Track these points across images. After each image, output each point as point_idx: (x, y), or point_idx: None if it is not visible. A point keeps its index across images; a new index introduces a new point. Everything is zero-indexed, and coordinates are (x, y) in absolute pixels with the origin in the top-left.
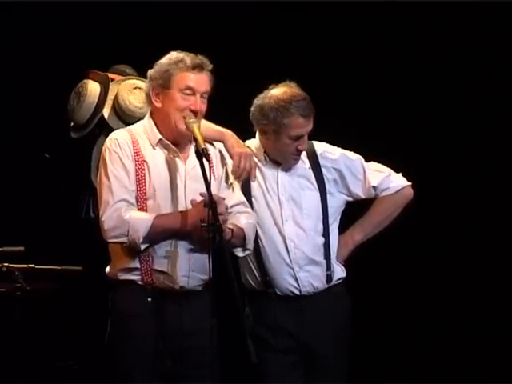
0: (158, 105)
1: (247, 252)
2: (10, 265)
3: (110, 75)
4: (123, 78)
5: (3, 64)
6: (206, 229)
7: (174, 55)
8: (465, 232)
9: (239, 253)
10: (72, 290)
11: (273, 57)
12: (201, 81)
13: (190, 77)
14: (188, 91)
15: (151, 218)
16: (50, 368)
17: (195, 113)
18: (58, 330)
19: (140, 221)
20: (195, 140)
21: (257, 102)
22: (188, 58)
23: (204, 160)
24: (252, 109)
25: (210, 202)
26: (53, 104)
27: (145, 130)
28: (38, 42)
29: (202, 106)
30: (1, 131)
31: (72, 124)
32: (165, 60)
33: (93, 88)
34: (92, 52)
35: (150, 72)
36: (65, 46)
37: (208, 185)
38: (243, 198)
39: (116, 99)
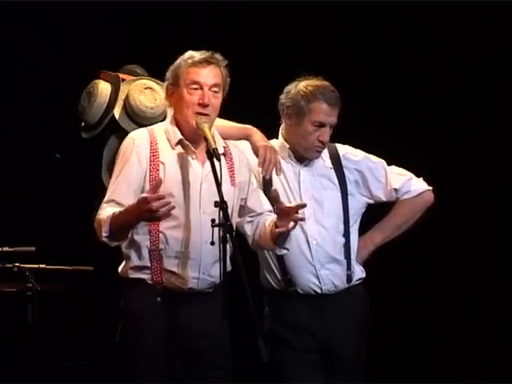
0: (173, 105)
1: (284, 251)
2: (22, 265)
3: (121, 75)
4: (134, 78)
5: (15, 65)
6: (219, 228)
7: (185, 54)
8: (484, 236)
9: (279, 251)
10: (83, 289)
11: (294, 55)
12: (208, 74)
13: (196, 71)
14: (194, 85)
15: (110, 216)
16: (61, 368)
17: (204, 106)
18: (69, 329)
19: (103, 220)
20: (206, 140)
21: (285, 89)
22: (197, 54)
23: (215, 160)
24: (280, 96)
25: (221, 203)
26: (64, 104)
27: (166, 131)
28: (50, 42)
29: (211, 99)
30: (12, 132)
31: (83, 124)
32: (177, 60)
33: (104, 88)
34: (103, 52)
35: (167, 74)
36: (76, 47)
37: (219, 184)
38: (270, 206)
39: (127, 99)
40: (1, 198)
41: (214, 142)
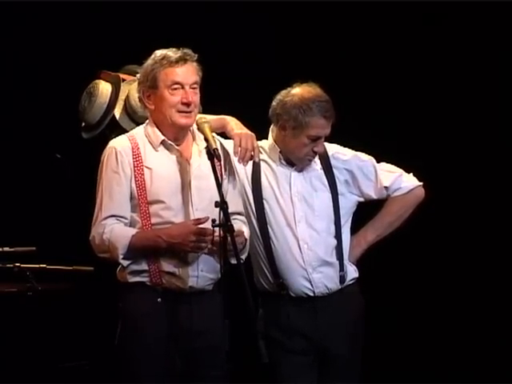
0: (152, 107)
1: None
2: (22, 265)
3: (122, 75)
4: (134, 78)
5: (15, 65)
6: (219, 229)
7: (157, 54)
8: (477, 231)
9: (232, 259)
10: (83, 290)
11: (282, 59)
12: (186, 73)
13: (175, 71)
14: (176, 86)
15: (129, 236)
16: (61, 368)
17: (188, 105)
18: (69, 329)
19: (119, 238)
20: (206, 140)
21: (279, 97)
22: (171, 53)
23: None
24: (273, 104)
25: (222, 203)
26: (64, 104)
27: (146, 134)
28: (50, 42)
29: (193, 97)
30: (13, 132)
31: (83, 124)
32: (149, 61)
33: (104, 88)
34: (103, 52)
35: (138, 77)
36: (76, 46)
37: (219, 185)
38: (242, 208)
39: (127, 99)
40: (1, 198)
41: (214, 142)
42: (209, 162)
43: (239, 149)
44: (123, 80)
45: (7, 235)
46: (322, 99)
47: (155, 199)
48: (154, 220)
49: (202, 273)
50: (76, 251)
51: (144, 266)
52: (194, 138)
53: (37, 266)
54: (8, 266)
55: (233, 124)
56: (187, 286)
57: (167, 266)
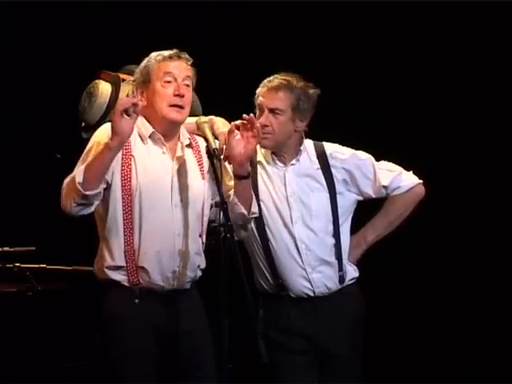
0: (144, 103)
1: (253, 215)
2: (22, 265)
3: (122, 75)
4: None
5: (15, 65)
6: (219, 228)
7: (151, 54)
8: (478, 229)
9: (244, 211)
10: (83, 290)
11: (282, 54)
12: (179, 67)
13: (168, 64)
14: (168, 78)
15: (84, 165)
16: (61, 368)
17: (180, 97)
18: (69, 330)
19: (76, 172)
20: (206, 140)
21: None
22: (165, 51)
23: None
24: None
25: (222, 202)
26: (64, 104)
27: (137, 126)
28: (50, 42)
29: (186, 92)
30: (13, 132)
31: (83, 124)
32: (144, 60)
33: (104, 88)
34: (103, 52)
35: (134, 77)
36: (76, 46)
37: (219, 184)
38: None
39: None
40: (1, 198)
41: (214, 142)
42: (194, 162)
43: (224, 147)
44: (123, 80)
45: (7, 235)
46: (280, 75)
47: (137, 191)
48: (135, 213)
49: (180, 270)
50: (76, 251)
51: (121, 263)
52: (179, 136)
53: (37, 266)
54: (8, 266)
55: (219, 123)
56: (164, 283)
57: (144, 262)
